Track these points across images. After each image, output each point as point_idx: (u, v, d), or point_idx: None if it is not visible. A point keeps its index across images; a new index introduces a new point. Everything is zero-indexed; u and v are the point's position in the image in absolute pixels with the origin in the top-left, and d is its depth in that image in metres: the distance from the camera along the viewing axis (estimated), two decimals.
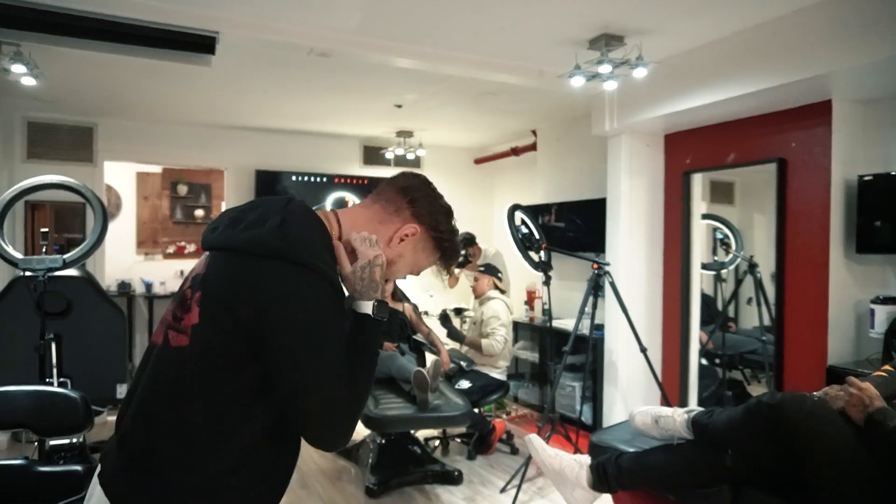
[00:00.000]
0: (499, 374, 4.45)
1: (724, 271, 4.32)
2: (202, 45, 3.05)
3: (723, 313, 4.27)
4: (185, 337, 1.09)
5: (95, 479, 1.16)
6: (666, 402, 3.64)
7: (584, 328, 3.79)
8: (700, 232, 4.09)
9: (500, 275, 4.70)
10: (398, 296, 4.59)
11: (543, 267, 4.25)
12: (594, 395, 4.44)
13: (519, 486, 3.43)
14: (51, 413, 2.13)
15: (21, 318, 3.31)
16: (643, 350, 3.58)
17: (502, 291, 4.69)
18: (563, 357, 3.69)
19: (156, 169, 7.12)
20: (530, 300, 5.59)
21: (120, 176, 6.86)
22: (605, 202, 4.28)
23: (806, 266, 3.29)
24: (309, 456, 4.19)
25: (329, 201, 6.26)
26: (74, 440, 2.53)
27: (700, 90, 3.40)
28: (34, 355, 3.18)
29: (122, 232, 6.82)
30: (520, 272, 5.14)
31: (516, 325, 5.34)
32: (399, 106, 4.92)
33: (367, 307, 1.15)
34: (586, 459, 2.28)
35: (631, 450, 2.27)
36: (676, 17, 3.00)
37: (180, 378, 1.09)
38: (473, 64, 3.65)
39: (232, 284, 1.08)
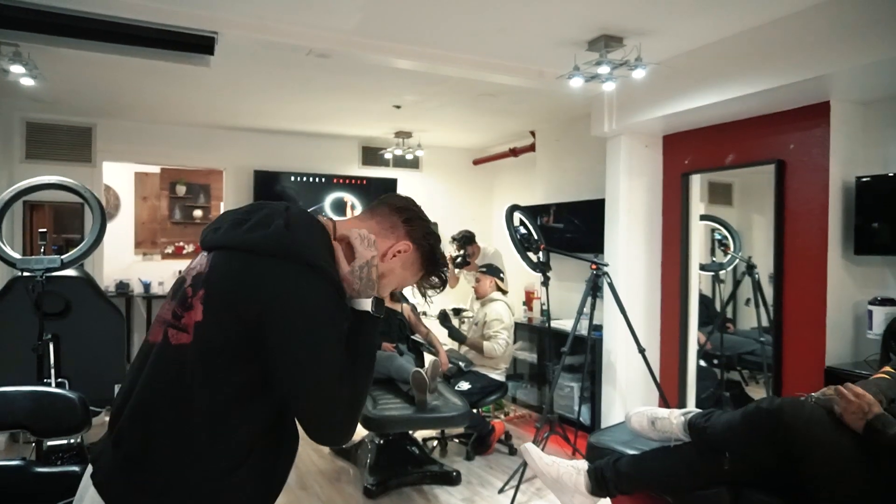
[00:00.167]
0: (498, 376, 4.45)
1: (722, 272, 4.32)
2: (201, 45, 3.05)
3: (721, 314, 4.27)
4: (186, 335, 1.10)
5: (87, 480, 1.15)
6: (664, 402, 3.64)
7: (583, 329, 3.79)
8: (698, 233, 4.09)
9: (502, 275, 4.69)
10: (397, 296, 4.58)
11: (542, 268, 4.25)
12: (592, 396, 4.44)
13: (517, 487, 3.43)
14: (48, 414, 2.12)
15: (19, 319, 3.30)
16: (641, 351, 3.58)
17: (504, 292, 4.67)
18: (561, 358, 3.69)
19: (154, 169, 7.12)
20: (529, 301, 5.59)
21: (119, 176, 6.86)
22: (603, 203, 4.29)
23: (804, 267, 3.29)
24: (308, 457, 4.19)
25: (328, 202, 6.26)
26: (72, 441, 2.52)
27: (699, 91, 3.40)
28: (32, 356, 3.17)
29: (120, 232, 6.82)
30: (518, 273, 5.13)
31: (515, 326, 5.33)
32: (398, 107, 4.93)
33: (367, 304, 1.19)
34: (583, 465, 2.27)
35: (629, 452, 2.26)
36: (675, 18, 3.00)
37: (180, 377, 1.09)
38: (473, 65, 3.65)
39: (237, 283, 1.10)
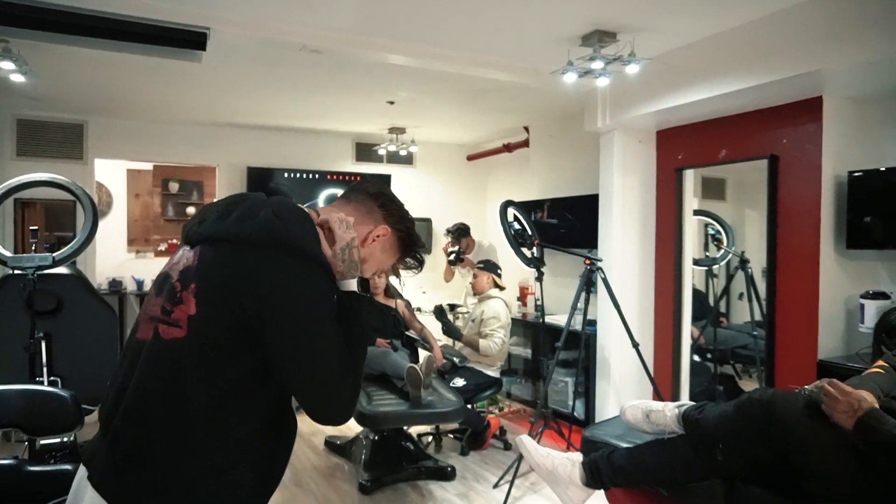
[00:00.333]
0: (493, 372, 4.45)
1: (715, 267, 4.34)
2: (192, 41, 3.03)
3: (715, 309, 4.28)
4: (178, 329, 1.10)
5: (83, 482, 1.14)
6: (658, 397, 3.65)
7: (577, 324, 3.80)
8: (692, 228, 4.10)
9: (499, 272, 4.68)
10: (391, 292, 4.58)
11: (536, 263, 4.25)
12: (587, 391, 4.46)
13: (512, 482, 3.44)
14: (41, 412, 2.11)
15: (11, 317, 3.28)
16: (635, 345, 3.59)
17: (501, 289, 4.66)
18: (555, 353, 3.69)
19: (147, 166, 7.08)
20: (523, 296, 5.60)
21: (111, 173, 6.82)
22: (597, 198, 4.29)
23: (797, 261, 3.30)
24: (303, 453, 4.19)
25: (321, 198, 6.25)
26: (65, 439, 2.52)
27: (692, 86, 3.41)
28: (24, 354, 3.16)
29: (113, 229, 6.78)
30: (513, 268, 5.14)
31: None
32: (392, 103, 4.91)
33: (352, 285, 1.22)
34: (578, 457, 2.28)
35: (623, 445, 2.27)
36: (668, 13, 3.00)
37: (175, 373, 1.09)
38: (467, 61, 3.65)
39: (231, 275, 1.10)
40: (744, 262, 3.99)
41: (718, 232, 4.27)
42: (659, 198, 4.23)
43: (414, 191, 6.57)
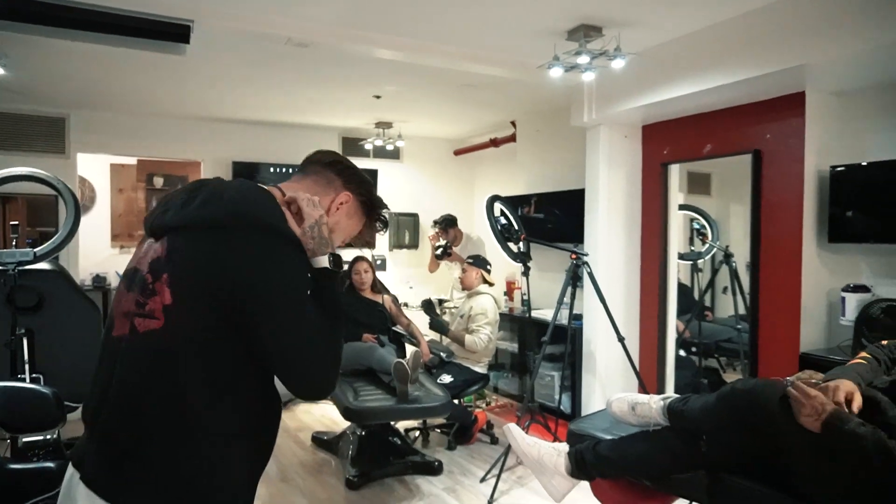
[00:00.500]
0: (480, 368, 4.45)
1: (700, 261, 4.37)
2: (176, 33, 2.99)
3: (699, 302, 4.32)
4: (154, 320, 1.08)
5: (74, 482, 1.12)
6: (643, 390, 3.68)
7: (563, 318, 3.81)
8: (677, 222, 4.13)
9: (489, 267, 4.68)
10: (378, 287, 4.58)
11: (522, 258, 4.26)
12: (573, 385, 4.48)
13: (498, 476, 3.46)
14: (22, 410, 2.09)
15: None
16: (621, 339, 3.61)
17: (490, 284, 4.67)
18: (542, 347, 3.71)
19: (131, 161, 6.99)
20: (510, 291, 5.61)
21: (94, 168, 6.72)
22: (583, 193, 4.30)
23: (780, 255, 3.34)
24: (289, 448, 4.18)
25: None
26: (48, 437, 2.49)
27: (677, 81, 3.42)
28: (5, 351, 3.12)
29: (96, 225, 6.70)
30: (499, 263, 5.15)
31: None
32: (378, 97, 4.89)
33: (324, 261, 1.21)
34: (564, 447, 2.30)
35: (609, 437, 2.29)
36: (654, 8, 3.01)
37: (157, 364, 1.08)
38: (453, 55, 3.64)
39: (204, 259, 1.09)
40: (728, 257, 4.03)
41: (703, 226, 4.30)
42: (644, 192, 4.25)
43: (401, 186, 6.55)
